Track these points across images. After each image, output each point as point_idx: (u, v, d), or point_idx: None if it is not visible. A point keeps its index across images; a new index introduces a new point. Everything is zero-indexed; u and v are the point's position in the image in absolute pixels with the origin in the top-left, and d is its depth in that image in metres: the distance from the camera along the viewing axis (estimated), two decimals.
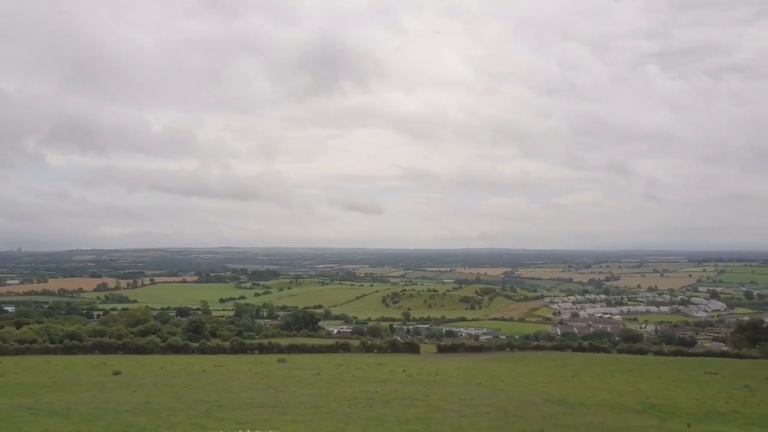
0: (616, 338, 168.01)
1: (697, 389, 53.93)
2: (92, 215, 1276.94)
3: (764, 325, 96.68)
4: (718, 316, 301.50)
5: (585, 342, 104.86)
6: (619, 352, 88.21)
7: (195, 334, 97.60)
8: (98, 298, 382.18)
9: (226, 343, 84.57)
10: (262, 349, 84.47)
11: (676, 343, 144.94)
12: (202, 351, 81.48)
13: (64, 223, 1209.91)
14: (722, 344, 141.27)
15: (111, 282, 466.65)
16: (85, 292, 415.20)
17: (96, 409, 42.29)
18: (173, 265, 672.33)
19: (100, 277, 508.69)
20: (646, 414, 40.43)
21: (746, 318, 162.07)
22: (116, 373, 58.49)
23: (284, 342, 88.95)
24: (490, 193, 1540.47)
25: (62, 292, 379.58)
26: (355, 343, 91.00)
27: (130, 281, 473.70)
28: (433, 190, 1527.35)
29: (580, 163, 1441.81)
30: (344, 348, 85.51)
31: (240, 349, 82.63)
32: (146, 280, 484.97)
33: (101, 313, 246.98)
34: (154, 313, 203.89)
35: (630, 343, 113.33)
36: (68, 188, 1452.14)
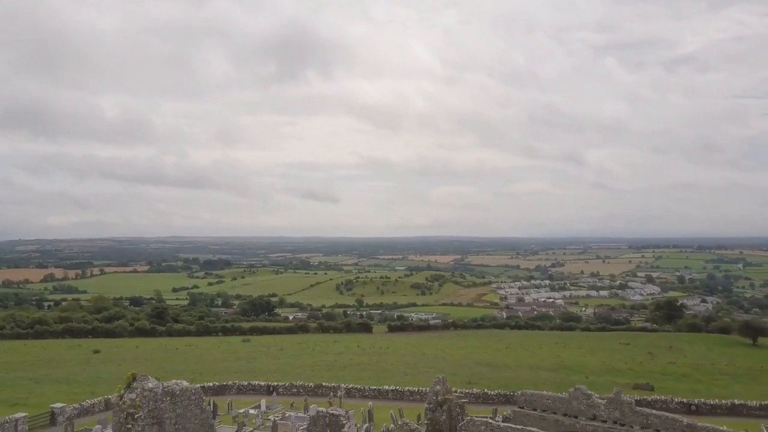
0: (557, 320, 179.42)
1: (607, 355, 63.53)
2: (37, 204, 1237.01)
3: (678, 304, 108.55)
4: (652, 299, 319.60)
5: (522, 321, 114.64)
6: (551, 329, 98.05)
7: (159, 320, 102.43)
8: (46, 288, 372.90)
9: (192, 327, 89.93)
10: (226, 332, 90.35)
11: (612, 323, 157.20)
12: (169, 334, 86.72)
13: (7, 212, 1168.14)
14: (653, 324, 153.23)
15: (58, 272, 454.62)
16: (32, 283, 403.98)
17: (91, 378, 48.15)
18: (122, 254, 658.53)
19: (46, 267, 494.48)
20: (558, 372, 49.16)
21: (663, 298, 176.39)
22: (96, 352, 63.61)
23: (246, 325, 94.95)
24: (445, 182, 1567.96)
25: (7, 283, 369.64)
26: (313, 324, 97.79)
27: (79, 271, 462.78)
28: (390, 178, 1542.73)
29: (534, 152, 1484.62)
30: (303, 329, 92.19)
31: (205, 332, 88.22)
32: (95, 270, 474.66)
33: (51, 303, 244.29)
34: (102, 304, 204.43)
35: (567, 323, 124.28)
36: (13, 175, 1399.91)
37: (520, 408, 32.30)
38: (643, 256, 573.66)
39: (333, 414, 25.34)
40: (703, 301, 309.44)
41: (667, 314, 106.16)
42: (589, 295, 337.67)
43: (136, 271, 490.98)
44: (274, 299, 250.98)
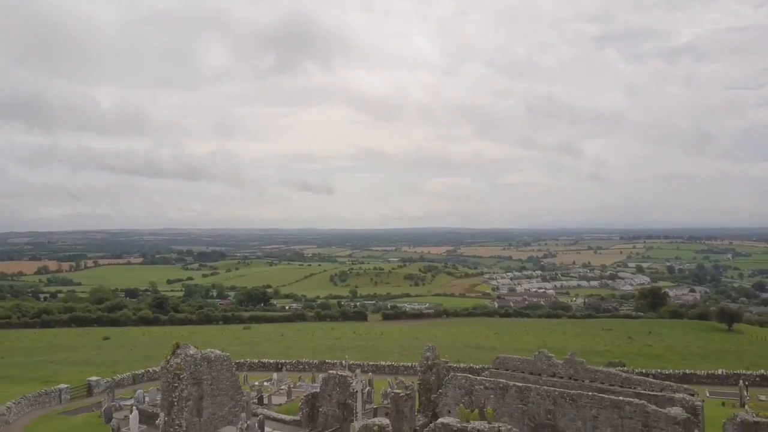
0: (546, 309, 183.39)
1: (589, 339, 67.42)
2: (31, 196, 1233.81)
3: (662, 293, 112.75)
4: (641, 289, 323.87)
5: (511, 309, 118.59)
6: (540, 317, 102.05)
7: (160, 309, 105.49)
8: (40, 280, 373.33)
9: (193, 316, 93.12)
10: (227, 320, 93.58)
11: (600, 312, 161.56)
12: (172, 322, 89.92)
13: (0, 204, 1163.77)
14: (638, 311, 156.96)
15: (52, 265, 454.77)
16: (26, 275, 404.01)
17: (108, 360, 51.36)
18: (115, 246, 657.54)
19: (40, 259, 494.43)
20: None
21: (648, 286, 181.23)
22: (106, 338, 66.83)
23: (245, 314, 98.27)
24: (441, 173, 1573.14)
25: (1, 276, 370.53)
26: (310, 313, 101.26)
27: (73, 264, 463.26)
28: (386, 170, 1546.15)
29: (531, 143, 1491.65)
30: (301, 317, 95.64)
31: (206, 320, 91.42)
32: (89, 263, 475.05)
33: (48, 295, 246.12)
34: (103, 295, 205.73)
35: (555, 311, 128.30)
36: (7, 168, 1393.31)
37: (496, 369, 37.44)
38: (634, 247, 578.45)
39: (341, 375, 29.47)
40: (692, 290, 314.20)
41: (652, 302, 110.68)
42: (579, 286, 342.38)
43: (130, 263, 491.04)
44: (269, 290, 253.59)
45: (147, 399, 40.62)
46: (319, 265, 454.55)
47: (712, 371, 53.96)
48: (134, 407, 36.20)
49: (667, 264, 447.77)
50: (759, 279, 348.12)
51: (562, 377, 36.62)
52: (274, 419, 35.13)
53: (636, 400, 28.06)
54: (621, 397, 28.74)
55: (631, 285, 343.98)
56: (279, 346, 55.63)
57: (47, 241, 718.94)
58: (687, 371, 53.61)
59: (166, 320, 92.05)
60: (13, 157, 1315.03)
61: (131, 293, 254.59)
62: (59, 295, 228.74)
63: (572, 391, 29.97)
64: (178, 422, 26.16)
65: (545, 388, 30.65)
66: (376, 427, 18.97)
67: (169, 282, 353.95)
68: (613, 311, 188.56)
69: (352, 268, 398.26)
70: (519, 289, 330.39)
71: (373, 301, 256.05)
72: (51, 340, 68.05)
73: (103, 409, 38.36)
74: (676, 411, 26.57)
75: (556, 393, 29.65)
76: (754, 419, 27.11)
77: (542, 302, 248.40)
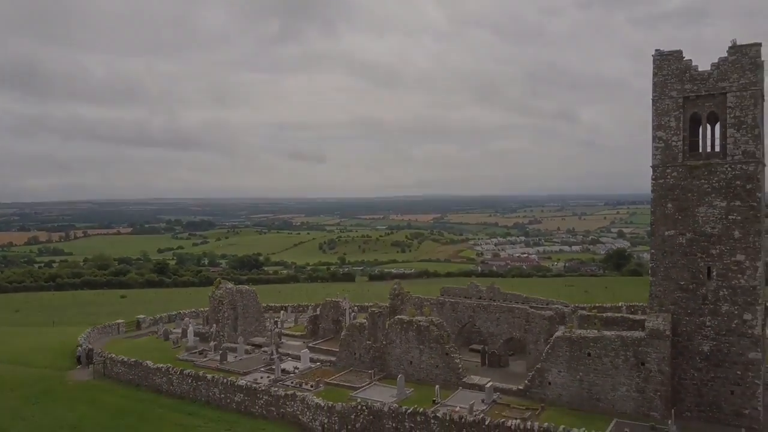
0: (521, 270, 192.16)
1: (550, 293, 75.68)
2: (17, 166, 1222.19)
3: (626, 254, 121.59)
4: (608, 251, 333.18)
5: (487, 270, 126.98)
6: (513, 276, 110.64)
7: (161, 274, 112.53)
8: (31, 251, 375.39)
9: (195, 278, 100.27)
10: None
11: (570, 273, 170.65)
12: (176, 285, 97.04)
13: None
14: (604, 271, 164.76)
15: (42, 235, 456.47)
16: (16, 245, 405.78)
17: (133, 312, 58.79)
18: (103, 217, 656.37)
19: (28, 230, 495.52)
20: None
21: (614, 248, 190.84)
22: (123, 297, 73.83)
23: (242, 277, 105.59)
24: (436, 140, 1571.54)
25: None
26: (303, 276, 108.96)
27: (62, 234, 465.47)
28: (380, 137, 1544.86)
29: (529, 110, 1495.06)
30: (294, 279, 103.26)
31: (208, 282, 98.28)
32: (78, 233, 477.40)
33: (42, 264, 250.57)
34: (105, 262, 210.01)
35: (526, 271, 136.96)
36: None
37: (441, 296, 51.90)
38: (618, 213, 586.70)
39: (334, 300, 38.12)
40: None
41: (616, 262, 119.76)
42: (561, 250, 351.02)
43: (119, 233, 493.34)
44: (259, 258, 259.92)
45: (192, 324, 51.18)
46: (308, 233, 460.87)
47: (616, 304, 67.79)
48: (190, 325, 47.86)
49: (648, 229, 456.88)
50: None
51: (485, 299, 51.28)
52: (287, 335, 48.92)
53: (522, 306, 43.81)
54: (513, 305, 44.80)
55: (612, 249, 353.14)
56: (278, 300, 63.57)
57: (33, 212, 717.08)
58: (597, 304, 63.92)
59: (170, 282, 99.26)
60: (4, 126, 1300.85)
61: (124, 262, 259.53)
62: (53, 265, 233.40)
63: (485, 303, 46.68)
64: (222, 333, 37.14)
65: (468, 302, 47.38)
66: (358, 324, 26.67)
67: (159, 251, 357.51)
68: (593, 275, 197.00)
69: (340, 236, 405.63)
70: (503, 254, 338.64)
71: (361, 267, 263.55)
72: (72, 299, 75.09)
73: (162, 331, 50.45)
74: (546, 312, 41.98)
75: (475, 305, 46.15)
76: (588, 313, 40.80)
77: (524, 266, 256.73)
